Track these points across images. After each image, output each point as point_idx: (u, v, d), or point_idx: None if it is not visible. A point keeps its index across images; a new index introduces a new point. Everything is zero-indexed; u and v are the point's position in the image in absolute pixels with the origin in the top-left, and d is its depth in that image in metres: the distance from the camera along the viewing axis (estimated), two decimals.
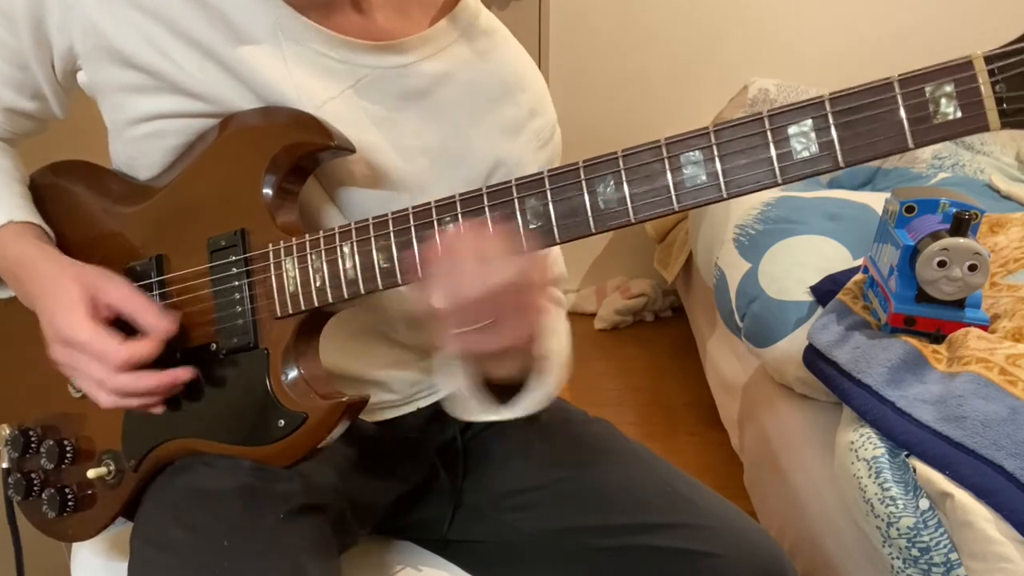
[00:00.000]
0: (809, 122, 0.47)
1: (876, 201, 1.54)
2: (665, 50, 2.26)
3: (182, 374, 0.64)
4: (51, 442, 0.73)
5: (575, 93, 2.23)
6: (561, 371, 0.68)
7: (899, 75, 0.44)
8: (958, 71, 0.43)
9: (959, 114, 0.43)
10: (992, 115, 0.42)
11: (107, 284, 0.65)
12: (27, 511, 0.76)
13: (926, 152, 1.89)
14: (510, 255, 0.52)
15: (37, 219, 0.70)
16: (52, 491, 0.72)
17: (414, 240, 0.58)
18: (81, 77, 0.69)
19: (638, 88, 2.28)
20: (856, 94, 0.46)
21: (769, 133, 0.47)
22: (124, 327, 0.64)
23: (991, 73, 0.42)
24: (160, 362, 0.64)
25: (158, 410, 0.66)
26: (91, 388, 0.64)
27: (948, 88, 0.43)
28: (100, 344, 0.62)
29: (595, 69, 2.25)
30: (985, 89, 0.42)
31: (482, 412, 0.66)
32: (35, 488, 0.74)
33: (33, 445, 0.74)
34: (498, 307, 0.52)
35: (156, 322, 0.63)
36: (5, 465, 0.76)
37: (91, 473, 0.70)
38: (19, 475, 0.75)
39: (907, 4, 2.26)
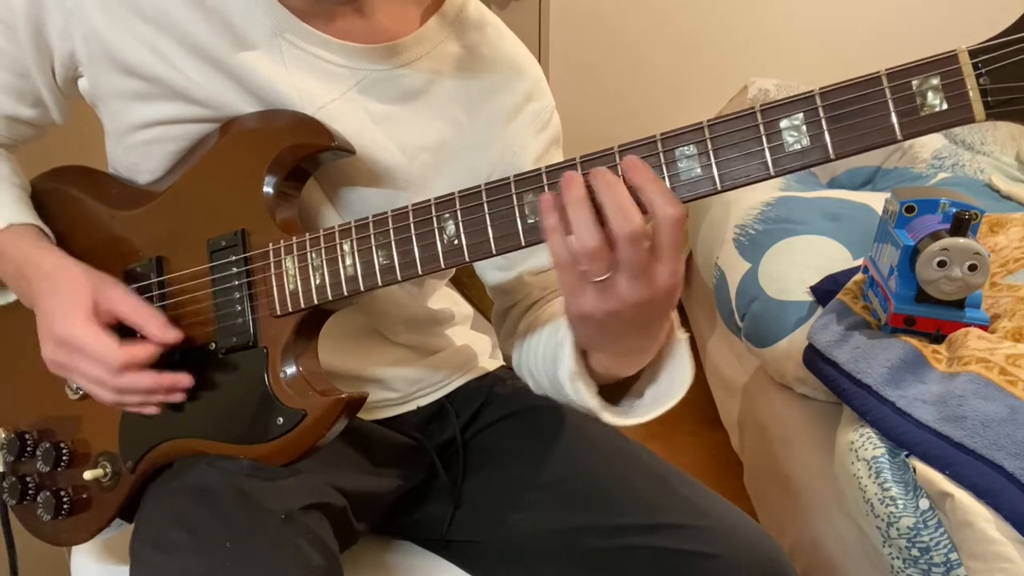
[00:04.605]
0: (800, 115, 0.47)
1: (876, 201, 1.54)
2: (665, 50, 2.26)
3: (183, 379, 0.65)
4: (47, 445, 0.72)
5: (575, 92, 2.23)
6: (690, 368, 0.62)
7: (887, 69, 0.45)
8: (944, 65, 0.44)
9: (945, 106, 0.44)
10: (977, 106, 0.43)
11: (113, 291, 0.65)
12: (21, 515, 0.76)
13: (926, 152, 1.88)
14: (628, 206, 0.49)
15: (38, 221, 0.71)
16: (47, 494, 0.72)
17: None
18: (82, 83, 0.69)
19: (638, 88, 2.28)
20: (845, 88, 0.46)
21: (761, 127, 0.48)
22: (121, 331, 0.64)
23: (975, 67, 0.43)
24: (158, 363, 0.64)
25: (153, 411, 0.66)
26: (89, 386, 0.65)
27: (934, 81, 0.44)
28: (100, 345, 0.62)
29: (595, 68, 2.25)
30: (970, 82, 0.43)
31: (608, 414, 0.63)
32: (30, 492, 0.74)
33: (29, 448, 0.74)
34: (616, 261, 0.50)
35: (161, 332, 0.64)
36: (0, 469, 0.76)
37: (87, 475, 0.69)
38: (14, 479, 0.75)
39: (907, 4, 2.26)
